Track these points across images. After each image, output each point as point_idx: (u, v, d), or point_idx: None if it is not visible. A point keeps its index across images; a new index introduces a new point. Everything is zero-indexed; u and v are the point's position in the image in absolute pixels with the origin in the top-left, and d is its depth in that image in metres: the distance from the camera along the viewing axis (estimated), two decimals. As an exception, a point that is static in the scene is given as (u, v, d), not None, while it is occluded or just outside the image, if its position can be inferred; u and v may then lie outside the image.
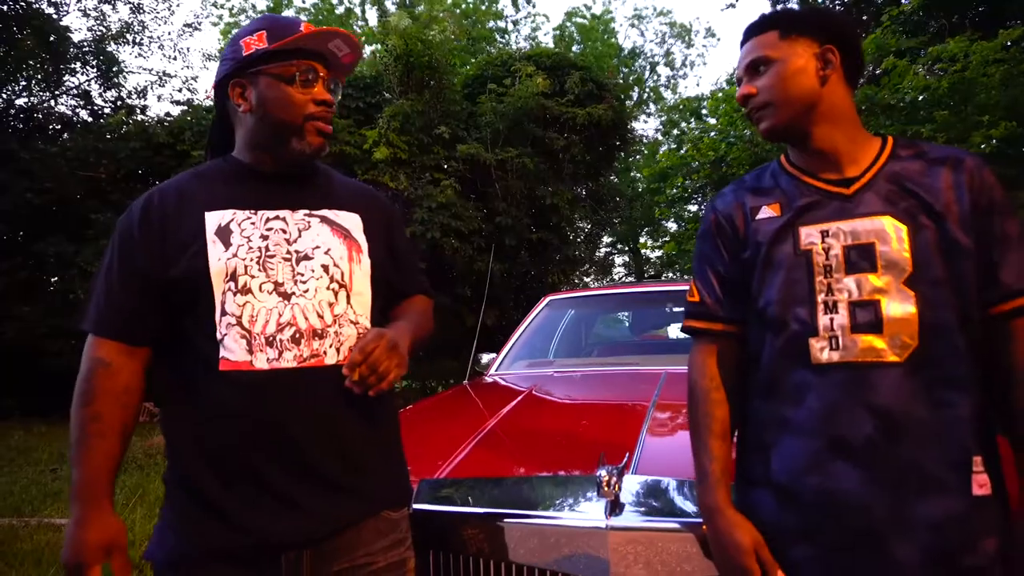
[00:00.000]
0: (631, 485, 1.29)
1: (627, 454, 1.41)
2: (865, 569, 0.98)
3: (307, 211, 1.15)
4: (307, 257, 1.10)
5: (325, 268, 1.11)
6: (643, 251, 20.02)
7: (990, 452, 0.99)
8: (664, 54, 22.22)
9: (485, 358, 3.21)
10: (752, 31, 1.14)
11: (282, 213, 1.12)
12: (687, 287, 1.23)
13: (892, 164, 1.08)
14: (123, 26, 10.59)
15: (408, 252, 1.35)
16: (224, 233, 1.08)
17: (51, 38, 9.25)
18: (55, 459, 5.63)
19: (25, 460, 5.69)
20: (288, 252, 1.10)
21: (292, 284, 1.08)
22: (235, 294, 1.05)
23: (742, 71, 1.15)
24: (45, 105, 9.81)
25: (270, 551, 1.03)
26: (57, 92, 9.91)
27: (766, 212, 1.13)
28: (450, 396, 2.69)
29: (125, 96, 10.36)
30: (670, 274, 17.32)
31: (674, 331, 4.50)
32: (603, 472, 1.20)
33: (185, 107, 9.82)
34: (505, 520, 1.28)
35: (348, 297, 1.12)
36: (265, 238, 1.09)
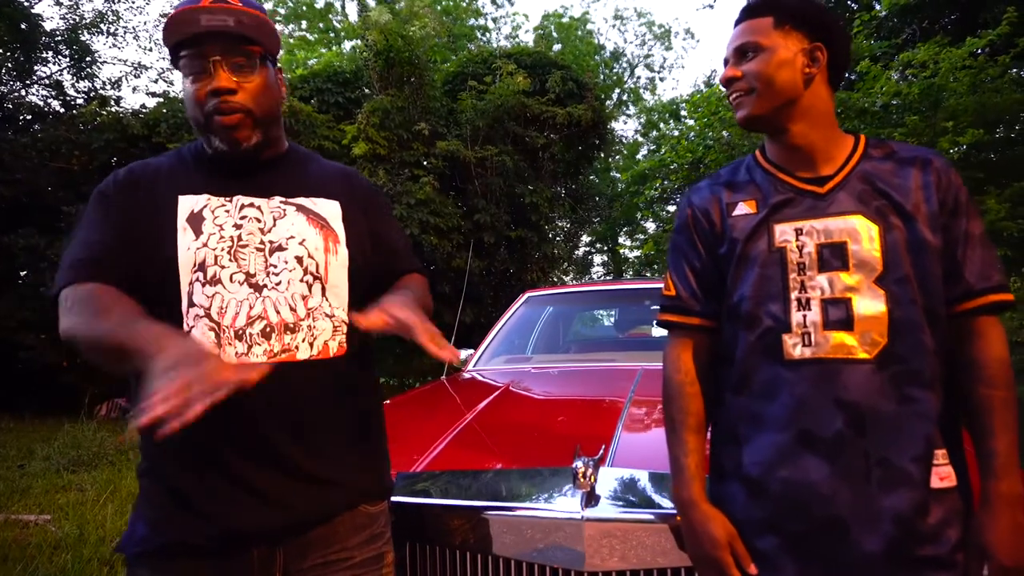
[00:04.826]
0: (607, 477, 1.31)
1: (603, 447, 1.43)
2: (831, 558, 1.00)
3: (283, 198, 1.11)
4: (281, 248, 1.07)
5: (299, 260, 1.08)
6: (622, 251, 20.16)
7: (954, 446, 1.02)
8: (644, 56, 22.39)
9: (463, 354, 3.21)
10: (746, 13, 1.14)
11: (257, 201, 1.09)
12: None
13: (864, 164, 1.10)
14: (97, 15, 10.37)
15: (395, 233, 1.29)
16: (196, 220, 1.04)
17: (22, 26, 9.03)
18: (23, 455, 5.52)
19: (-8, 456, 5.58)
20: (261, 242, 1.06)
21: (264, 276, 1.05)
22: (204, 284, 1.02)
23: (730, 52, 1.15)
24: (15, 95, 9.58)
25: (240, 544, 1.01)
26: (28, 82, 9.68)
27: (742, 208, 1.15)
28: (427, 391, 2.69)
29: (99, 87, 10.15)
30: (648, 274, 17.45)
31: (653, 329, 4.53)
32: (579, 464, 1.21)
33: (161, 99, 9.66)
34: (482, 512, 1.29)
35: (323, 290, 1.09)
36: (239, 227, 1.06)
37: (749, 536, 1.06)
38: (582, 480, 1.20)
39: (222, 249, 1.04)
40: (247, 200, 1.09)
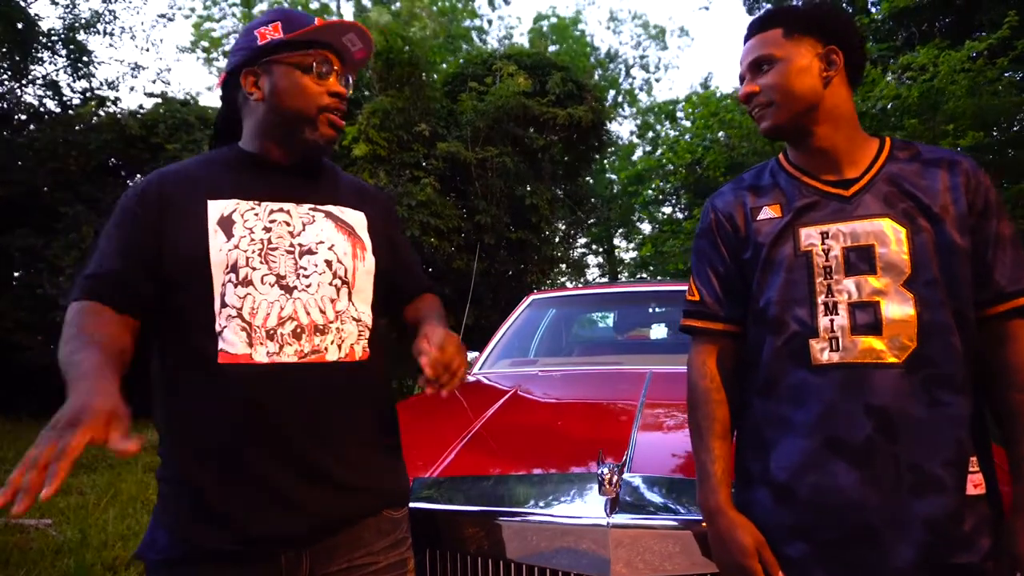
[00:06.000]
0: (628, 483, 1.30)
1: (623, 453, 1.42)
2: (861, 565, 0.99)
3: (312, 205, 1.13)
4: (310, 251, 1.09)
5: (328, 263, 1.09)
6: (617, 252, 20.18)
7: (984, 452, 1.02)
8: (639, 57, 22.42)
9: (468, 357, 3.20)
10: (755, 28, 1.15)
11: (286, 206, 1.11)
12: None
13: (890, 165, 1.10)
14: (94, 15, 10.31)
15: (409, 251, 1.34)
16: (226, 223, 1.05)
17: (18, 25, 8.97)
18: (20, 457, 5.46)
19: (-11, 459, 5.52)
20: (291, 245, 1.08)
21: (295, 278, 1.06)
22: (236, 285, 1.02)
23: (745, 69, 1.15)
24: (11, 95, 9.52)
25: (267, 549, 1.01)
26: (24, 82, 9.62)
27: (767, 213, 1.14)
28: (433, 395, 2.67)
29: (95, 87, 10.09)
30: (643, 275, 17.49)
31: (656, 331, 4.53)
32: (605, 469, 1.20)
33: (159, 99, 9.61)
34: (505, 518, 1.27)
35: (350, 294, 1.11)
36: (268, 230, 1.07)
37: (777, 543, 1.06)
38: (608, 486, 1.19)
39: (253, 251, 1.04)
40: (276, 205, 1.10)
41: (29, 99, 9.67)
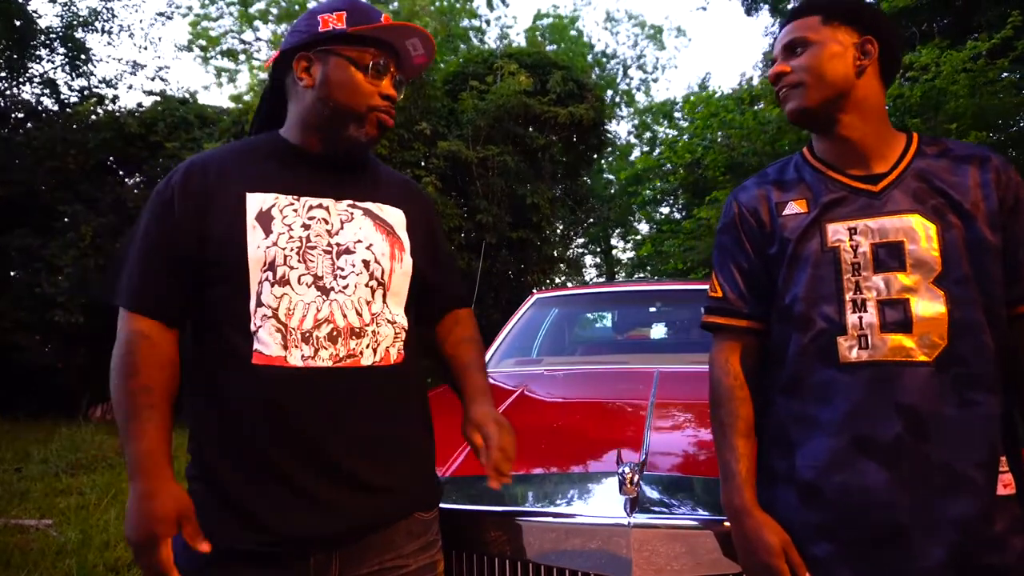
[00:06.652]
0: (648, 482, 1.28)
1: (638, 452, 1.40)
2: (890, 566, 0.98)
3: (351, 202, 1.11)
4: (348, 251, 1.06)
5: (366, 263, 1.07)
6: (615, 252, 20.19)
7: (1014, 452, 1.00)
8: (636, 57, 22.41)
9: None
10: (794, 15, 1.14)
11: (325, 201, 1.08)
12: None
13: (919, 161, 1.08)
14: (92, 13, 10.26)
15: (448, 255, 1.30)
16: (265, 219, 1.03)
17: (16, 23, 8.92)
18: (20, 458, 5.44)
19: (-12, 460, 5.50)
20: (329, 244, 1.05)
21: (331, 279, 1.04)
22: (272, 284, 1.00)
23: (778, 51, 1.14)
24: (8, 93, 9.47)
25: (297, 550, 0.99)
26: (21, 80, 9.57)
27: (792, 208, 1.12)
28: (439, 394, 2.65)
29: (94, 85, 10.05)
30: (641, 275, 17.49)
31: (656, 331, 4.52)
32: (626, 468, 1.18)
33: (158, 97, 9.57)
34: (521, 518, 1.25)
35: (385, 295, 1.08)
36: (307, 227, 1.05)
37: (803, 543, 1.04)
38: (629, 486, 1.17)
39: (291, 249, 1.02)
40: (315, 201, 1.08)
41: (27, 97, 9.63)
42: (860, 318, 1.03)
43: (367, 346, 1.04)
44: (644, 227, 17.62)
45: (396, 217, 1.15)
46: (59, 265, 7.62)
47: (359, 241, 1.08)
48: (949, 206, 1.03)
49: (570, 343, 3.81)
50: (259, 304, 1.00)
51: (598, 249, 20.16)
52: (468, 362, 1.24)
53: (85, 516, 3.70)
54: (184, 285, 1.02)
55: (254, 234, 1.02)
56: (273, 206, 1.04)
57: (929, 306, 1.00)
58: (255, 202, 1.04)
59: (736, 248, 1.18)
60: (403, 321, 1.11)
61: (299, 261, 1.02)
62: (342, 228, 1.07)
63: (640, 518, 1.17)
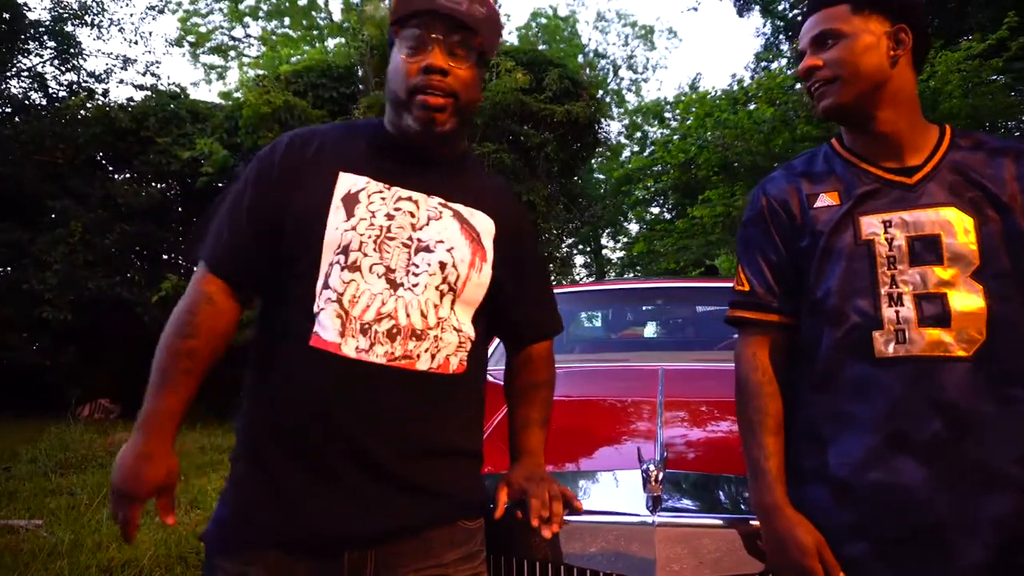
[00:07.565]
0: (670, 480, 1.25)
1: (653, 450, 1.37)
2: (927, 565, 0.95)
3: (442, 200, 1.07)
4: (427, 249, 1.02)
5: (442, 266, 1.02)
6: (604, 252, 20.19)
7: None
8: (627, 57, 22.42)
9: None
10: (820, 3, 1.10)
11: (416, 195, 1.05)
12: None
13: (953, 153, 1.06)
14: (81, 6, 10.13)
15: (540, 280, 1.25)
16: (350, 201, 1.00)
17: (4, 16, 8.79)
18: (7, 457, 5.35)
19: (-26, 459, 5.40)
20: (409, 238, 1.02)
21: (403, 274, 1.00)
22: (342, 269, 0.98)
23: (807, 43, 1.11)
24: (-4, 86, 9.34)
25: (332, 545, 0.96)
26: (9, 74, 9.43)
27: (824, 200, 1.10)
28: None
29: (83, 80, 9.92)
30: (631, 274, 17.53)
31: (648, 330, 4.51)
32: (650, 466, 1.15)
33: (149, 92, 9.47)
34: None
35: (454, 302, 1.04)
36: (390, 217, 1.01)
37: (836, 542, 1.01)
38: (653, 484, 1.13)
39: (369, 236, 0.99)
40: (405, 193, 1.04)
41: (15, 91, 9.49)
42: (897, 312, 1.00)
43: (426, 350, 1.00)
44: (634, 227, 17.64)
45: (485, 225, 1.10)
46: (47, 261, 7.52)
47: (441, 241, 1.04)
48: (986, 199, 1.01)
49: (568, 341, 3.78)
50: (326, 286, 0.97)
51: (588, 248, 20.15)
52: (529, 419, 1.24)
53: (76, 516, 3.63)
54: (263, 255, 1.02)
55: (336, 215, 0.99)
56: (362, 190, 1.02)
57: (968, 300, 0.98)
58: (345, 182, 1.02)
59: (765, 241, 1.15)
60: (470, 331, 1.07)
61: (374, 250, 0.99)
62: (427, 224, 1.04)
63: (664, 517, 1.14)
